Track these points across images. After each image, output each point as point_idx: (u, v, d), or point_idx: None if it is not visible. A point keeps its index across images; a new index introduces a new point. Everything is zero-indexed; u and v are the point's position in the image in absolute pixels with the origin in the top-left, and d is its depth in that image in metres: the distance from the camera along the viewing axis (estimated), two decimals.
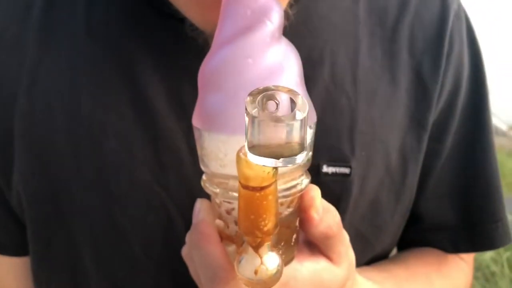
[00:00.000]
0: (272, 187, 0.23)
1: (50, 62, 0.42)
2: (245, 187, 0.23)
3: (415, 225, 0.53)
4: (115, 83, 0.41)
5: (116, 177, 0.41)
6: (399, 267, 0.50)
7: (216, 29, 0.29)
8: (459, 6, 0.50)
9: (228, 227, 0.30)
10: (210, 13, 0.32)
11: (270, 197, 0.24)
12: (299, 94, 0.21)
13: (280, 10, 0.28)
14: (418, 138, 0.47)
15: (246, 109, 0.21)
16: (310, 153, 0.31)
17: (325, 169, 0.43)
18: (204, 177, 0.31)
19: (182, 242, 0.36)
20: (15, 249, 0.49)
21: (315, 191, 0.31)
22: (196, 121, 0.29)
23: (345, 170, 0.44)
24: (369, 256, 0.50)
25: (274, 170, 0.23)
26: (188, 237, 0.33)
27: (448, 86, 0.48)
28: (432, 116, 0.47)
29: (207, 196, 0.32)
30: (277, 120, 0.20)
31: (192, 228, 0.32)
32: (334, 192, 0.44)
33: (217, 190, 0.29)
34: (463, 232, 0.53)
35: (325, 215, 0.31)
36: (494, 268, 2.01)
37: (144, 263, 0.43)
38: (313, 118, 0.30)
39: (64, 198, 0.42)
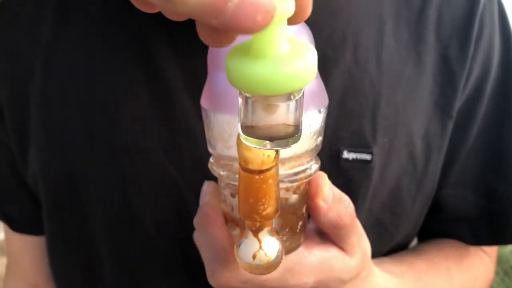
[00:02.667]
0: (272, 171, 0.23)
1: (65, 42, 0.42)
2: (245, 169, 0.23)
3: (436, 215, 0.52)
4: (130, 64, 0.41)
5: (130, 157, 0.41)
6: (419, 259, 0.49)
7: None
8: None
9: (232, 210, 0.30)
10: None
11: (270, 181, 0.23)
12: None
13: None
14: (442, 125, 0.45)
15: (240, 92, 0.20)
16: (320, 138, 0.29)
17: (346, 155, 0.42)
18: (211, 159, 0.30)
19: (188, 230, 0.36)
20: (32, 228, 0.50)
21: (323, 179, 0.30)
22: (203, 101, 0.28)
23: (367, 157, 0.42)
24: (388, 245, 0.48)
25: (275, 153, 0.22)
26: (194, 219, 0.32)
27: (476, 72, 0.46)
28: (458, 103, 0.45)
29: (217, 179, 0.32)
30: (270, 100, 0.19)
31: (198, 210, 0.32)
32: (354, 178, 0.42)
33: (223, 173, 0.28)
34: (486, 224, 0.51)
35: (335, 204, 0.30)
36: None
37: (156, 243, 0.43)
38: (325, 102, 0.29)
39: (78, 178, 0.42)
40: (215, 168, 0.29)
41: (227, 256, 0.29)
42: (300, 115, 0.20)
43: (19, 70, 0.43)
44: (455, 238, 0.53)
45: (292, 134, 0.20)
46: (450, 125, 0.46)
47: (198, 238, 0.32)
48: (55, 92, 0.42)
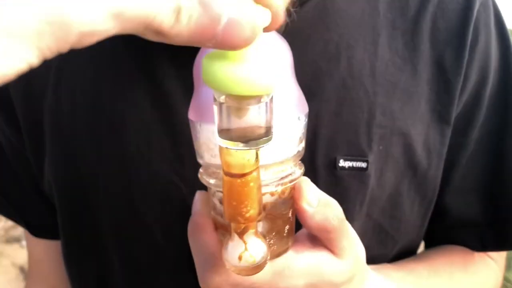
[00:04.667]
0: (253, 174, 0.24)
1: (74, 59, 0.44)
2: (227, 174, 0.24)
3: (442, 221, 0.52)
4: (134, 77, 0.43)
5: (136, 168, 0.43)
6: (421, 264, 0.50)
7: None
8: None
9: (222, 216, 0.31)
10: None
11: (252, 184, 0.24)
12: None
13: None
14: (441, 132, 0.46)
15: (213, 97, 0.21)
16: (302, 144, 0.31)
17: (342, 163, 0.43)
18: (200, 169, 0.32)
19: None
20: (50, 233, 0.53)
21: (307, 183, 0.31)
22: (191, 114, 0.30)
23: (362, 165, 0.43)
24: (392, 248, 0.49)
25: (255, 157, 0.24)
26: (188, 227, 0.34)
27: (473, 79, 0.46)
28: (455, 109, 0.46)
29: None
30: (241, 104, 0.21)
31: (190, 218, 0.33)
32: (350, 186, 0.43)
33: (211, 181, 0.30)
34: (490, 230, 0.51)
35: (322, 208, 0.31)
36: None
37: (164, 247, 0.45)
38: (304, 109, 0.30)
39: (89, 186, 0.45)
40: (204, 177, 0.31)
41: (217, 261, 0.30)
42: (271, 118, 0.22)
43: (34, 89, 0.46)
44: (461, 245, 0.53)
45: (264, 135, 0.22)
46: (449, 132, 0.46)
47: (190, 244, 0.33)
48: (65, 108, 0.45)
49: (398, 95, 0.44)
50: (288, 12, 0.39)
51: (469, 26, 0.45)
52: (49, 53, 0.16)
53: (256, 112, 0.21)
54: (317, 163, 0.43)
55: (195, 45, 0.19)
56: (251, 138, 0.22)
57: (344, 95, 0.43)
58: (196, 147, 0.31)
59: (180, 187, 0.43)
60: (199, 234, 0.32)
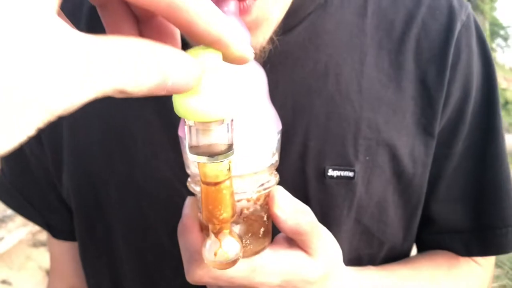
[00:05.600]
0: (225, 183, 0.28)
1: None
2: (204, 182, 0.28)
3: (430, 227, 0.55)
4: (143, 98, 0.48)
5: (143, 176, 0.48)
6: (405, 267, 0.53)
7: None
8: (468, 16, 0.51)
9: None
10: None
11: (225, 191, 0.29)
12: None
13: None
14: (425, 144, 0.49)
15: (184, 121, 0.26)
16: (276, 157, 0.35)
17: (331, 172, 0.47)
18: (189, 178, 0.37)
19: None
20: (70, 234, 0.59)
21: (279, 192, 0.35)
22: (180, 131, 0.35)
23: (349, 174, 0.47)
24: (379, 249, 0.52)
25: (228, 168, 0.28)
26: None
27: (456, 95, 0.49)
28: (439, 123, 0.49)
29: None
30: (205, 125, 0.25)
31: (179, 221, 0.38)
32: (339, 193, 0.47)
33: (197, 188, 0.34)
34: (474, 236, 0.54)
35: (294, 214, 0.35)
36: None
37: (170, 248, 0.49)
38: (278, 126, 0.35)
39: (102, 194, 0.50)
40: (191, 185, 0.36)
41: (200, 257, 0.34)
42: (232, 137, 0.26)
43: None
44: (448, 249, 0.56)
45: (227, 151, 0.26)
46: (433, 143, 0.49)
47: (179, 243, 0.37)
48: (81, 124, 0.50)
49: (383, 110, 0.48)
50: (272, 40, 0.43)
51: (450, 46, 0.49)
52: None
53: (218, 132, 0.26)
54: (308, 172, 0.47)
55: (152, 93, 0.22)
56: (216, 153, 0.26)
57: (332, 110, 0.47)
58: (184, 159, 0.36)
59: (182, 192, 0.47)
60: (186, 234, 0.36)
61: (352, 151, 0.47)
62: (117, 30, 0.27)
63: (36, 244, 2.53)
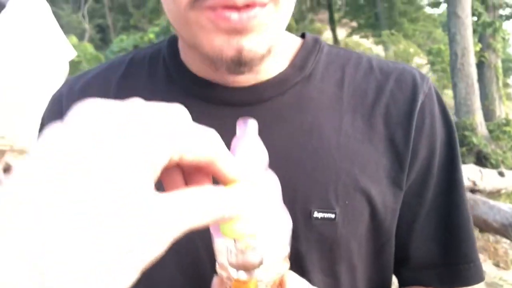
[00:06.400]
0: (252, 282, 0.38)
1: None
2: (236, 280, 0.38)
3: (407, 265, 0.64)
4: None
5: None
6: None
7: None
8: (430, 88, 0.60)
9: None
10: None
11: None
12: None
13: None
14: (394, 194, 0.58)
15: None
16: (289, 247, 0.43)
17: (316, 214, 0.55)
18: (217, 263, 0.43)
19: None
20: None
21: (291, 277, 0.43)
22: (211, 228, 0.41)
23: (331, 215, 0.55)
24: (354, 276, 0.60)
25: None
26: None
27: (422, 153, 0.58)
28: (408, 176, 0.58)
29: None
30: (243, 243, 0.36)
31: None
32: (323, 232, 0.55)
33: (224, 274, 0.41)
34: (446, 270, 0.62)
35: None
36: None
37: (178, 279, 0.56)
38: (290, 226, 0.43)
39: None
40: (219, 270, 0.42)
41: None
42: (262, 260, 0.36)
43: None
44: (424, 284, 0.64)
45: (259, 265, 0.36)
46: (401, 195, 0.58)
47: None
48: None
49: (359, 162, 0.56)
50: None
51: (414, 113, 0.58)
52: None
53: (251, 251, 0.35)
54: (297, 214, 0.55)
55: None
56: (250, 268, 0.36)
57: (316, 162, 0.55)
58: (214, 249, 0.43)
59: (194, 238, 0.52)
60: None
61: (333, 196, 0.55)
62: (171, 181, 0.35)
63: None
